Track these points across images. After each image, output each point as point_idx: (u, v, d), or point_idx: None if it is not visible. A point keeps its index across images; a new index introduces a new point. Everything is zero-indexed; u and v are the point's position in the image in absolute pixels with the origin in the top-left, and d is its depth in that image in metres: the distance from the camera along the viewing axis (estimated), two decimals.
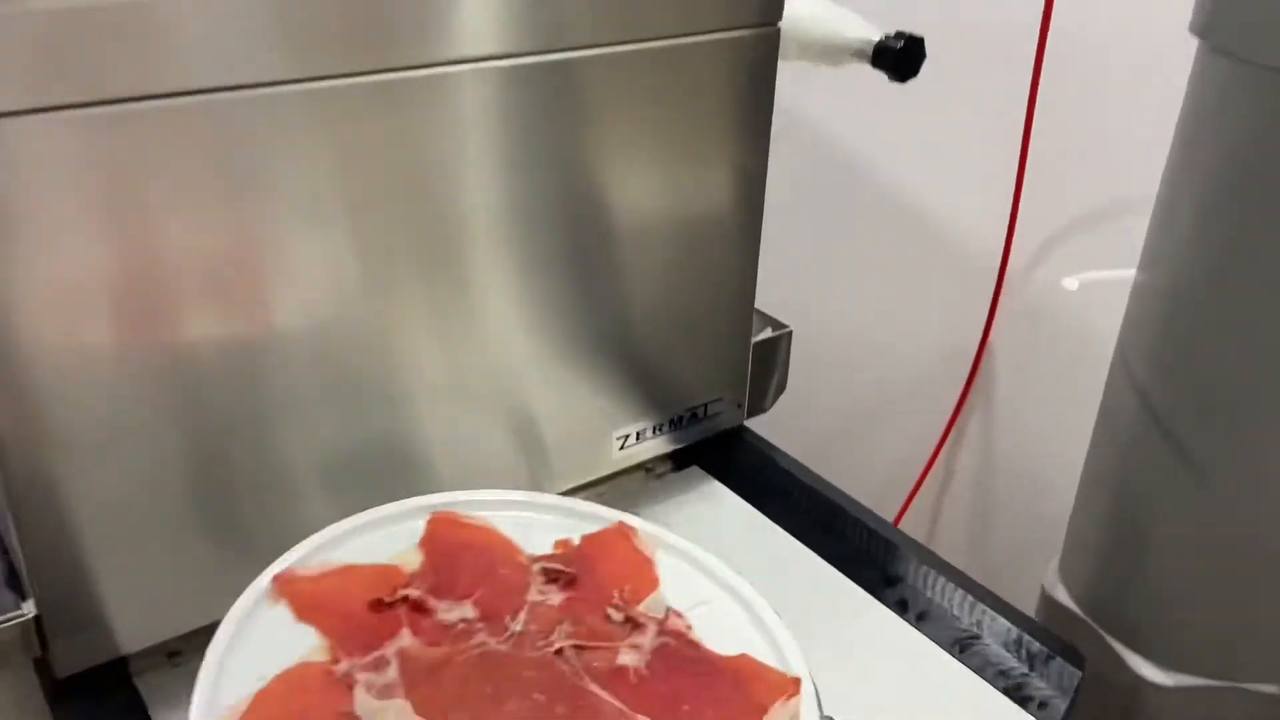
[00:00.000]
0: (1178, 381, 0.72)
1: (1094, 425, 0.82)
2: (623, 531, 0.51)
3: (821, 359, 1.16)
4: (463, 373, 0.58)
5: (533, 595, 0.46)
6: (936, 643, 0.60)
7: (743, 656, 0.45)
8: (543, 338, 0.61)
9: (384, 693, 0.40)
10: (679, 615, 0.47)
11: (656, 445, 0.71)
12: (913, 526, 1.19)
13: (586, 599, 0.47)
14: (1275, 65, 0.60)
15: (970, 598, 0.64)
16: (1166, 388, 0.73)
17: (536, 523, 0.52)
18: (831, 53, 0.69)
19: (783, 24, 0.63)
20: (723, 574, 0.49)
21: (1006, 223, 0.98)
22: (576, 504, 0.54)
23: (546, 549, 0.50)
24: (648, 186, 0.62)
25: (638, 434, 0.69)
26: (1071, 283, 0.79)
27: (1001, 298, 1.03)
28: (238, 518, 0.52)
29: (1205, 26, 0.65)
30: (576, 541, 0.51)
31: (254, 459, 0.51)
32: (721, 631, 0.46)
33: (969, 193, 1.01)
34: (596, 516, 0.53)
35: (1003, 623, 0.62)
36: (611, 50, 0.56)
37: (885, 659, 0.59)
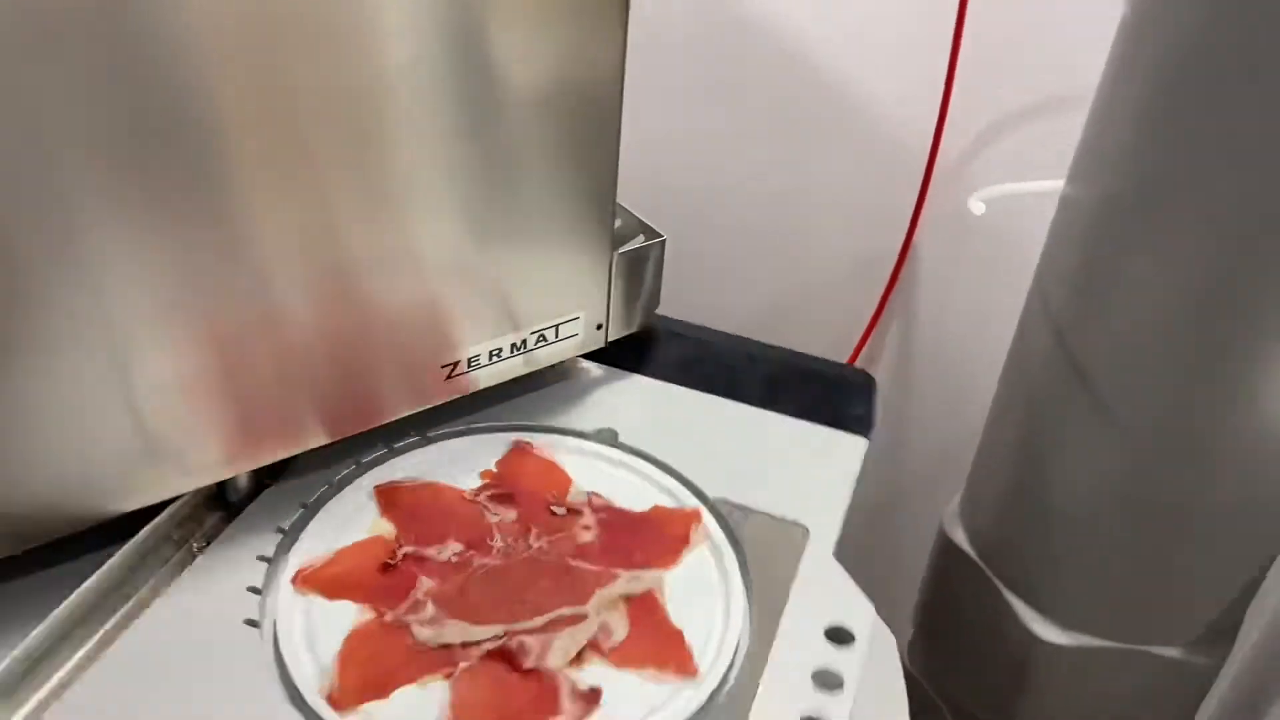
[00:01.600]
0: (1097, 313, 0.63)
1: (1006, 356, 0.73)
2: (522, 449, 0.63)
3: (724, 263, 1.06)
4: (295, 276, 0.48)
5: (491, 517, 0.58)
6: None
7: (654, 508, 0.60)
8: (365, 236, 0.50)
9: (434, 623, 0.51)
10: (597, 495, 0.60)
11: (497, 372, 0.61)
12: None
13: (529, 506, 0.59)
14: None
15: None
16: (1084, 319, 0.64)
17: (460, 458, 0.62)
18: None
19: None
20: (609, 454, 0.63)
21: (935, 117, 0.87)
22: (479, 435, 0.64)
23: (476, 481, 0.60)
24: (489, 64, 0.51)
25: (469, 360, 0.59)
26: (978, 206, 0.68)
27: (927, 199, 0.92)
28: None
29: None
30: (494, 468, 0.62)
31: None
32: (630, 496, 0.60)
33: (896, 82, 0.89)
34: (496, 438, 0.64)
35: None
36: None
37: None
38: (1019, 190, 0.66)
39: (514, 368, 0.62)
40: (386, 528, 0.57)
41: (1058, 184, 0.64)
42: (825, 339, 1.06)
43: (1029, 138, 0.87)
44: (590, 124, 0.56)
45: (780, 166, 0.99)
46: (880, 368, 1.04)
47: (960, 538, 0.77)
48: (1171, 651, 0.69)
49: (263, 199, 0.46)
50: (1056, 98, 0.84)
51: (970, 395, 0.97)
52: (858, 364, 1.04)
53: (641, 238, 0.66)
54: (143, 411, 0.48)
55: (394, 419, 0.59)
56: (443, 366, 0.58)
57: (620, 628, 0.52)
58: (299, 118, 0.45)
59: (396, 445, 0.62)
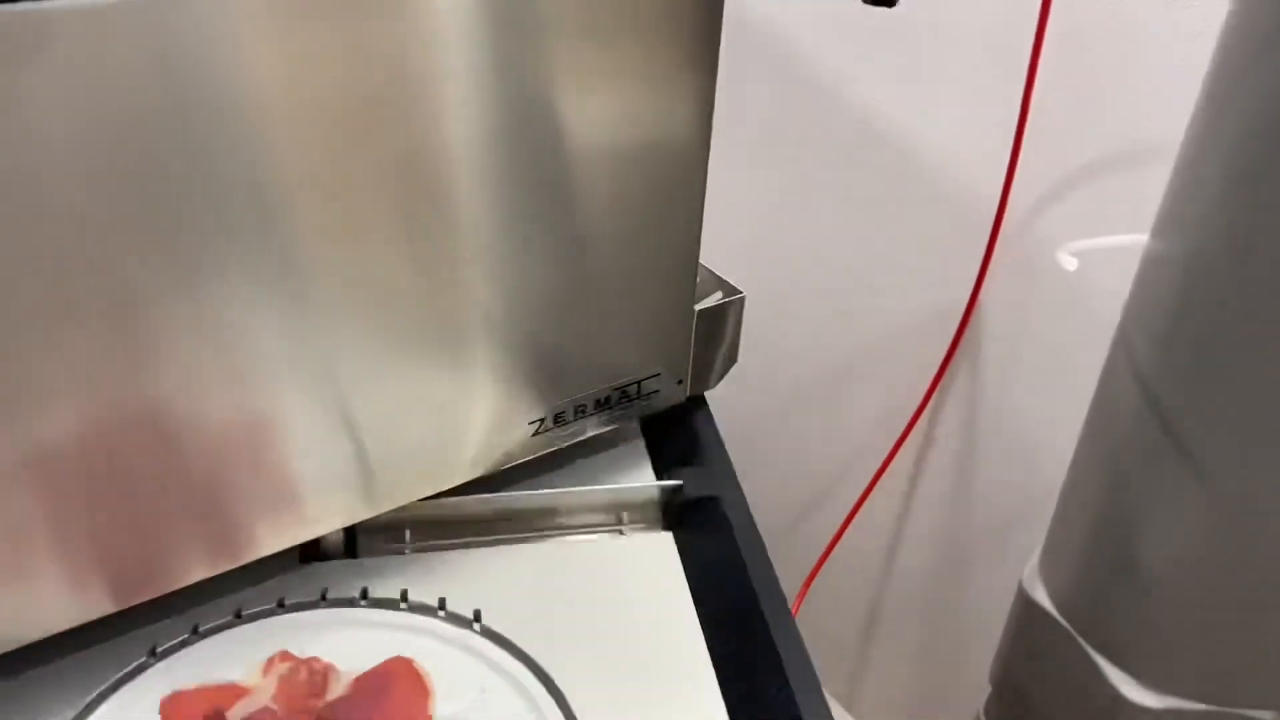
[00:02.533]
0: (1187, 368, 0.62)
1: (1088, 409, 0.72)
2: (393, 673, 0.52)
3: (792, 315, 1.06)
4: (368, 348, 0.49)
5: None
6: None
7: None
8: (452, 304, 0.51)
9: None
10: None
11: (580, 429, 0.61)
12: (885, 500, 1.10)
13: None
14: None
15: None
16: (1173, 374, 0.63)
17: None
18: None
19: None
20: (498, 660, 0.52)
21: (1005, 170, 0.87)
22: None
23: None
24: (573, 124, 0.51)
25: (555, 417, 0.60)
26: (1069, 261, 0.68)
27: (995, 253, 0.92)
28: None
29: None
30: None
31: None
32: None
33: (964, 135, 0.89)
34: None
35: None
36: None
37: None
38: (1107, 245, 0.66)
39: (598, 423, 0.62)
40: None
41: (1143, 238, 0.64)
42: (892, 397, 1.05)
43: (1098, 192, 0.87)
44: (678, 181, 0.57)
45: (848, 226, 0.99)
46: (945, 421, 1.03)
47: (1041, 596, 0.76)
48: (1266, 715, 0.67)
49: (340, 268, 0.47)
50: (1127, 152, 0.84)
51: (1040, 451, 0.96)
52: (923, 417, 1.04)
53: (720, 294, 0.67)
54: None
55: (478, 475, 0.59)
56: (530, 424, 0.58)
57: None
58: (369, 190, 0.46)
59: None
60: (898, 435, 1.05)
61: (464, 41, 0.45)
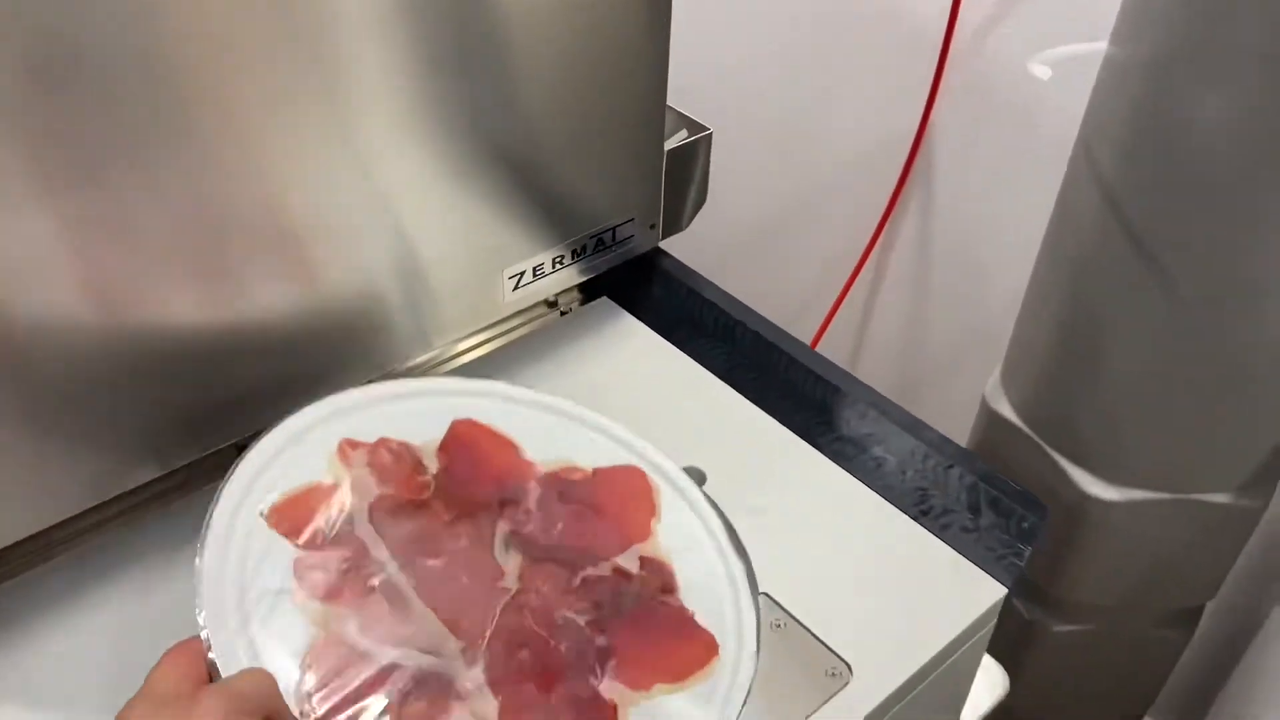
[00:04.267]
0: (1149, 172, 0.63)
1: (1049, 221, 0.73)
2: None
3: (742, 151, 1.05)
4: (335, 201, 0.47)
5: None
6: (879, 494, 0.53)
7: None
8: (419, 156, 0.49)
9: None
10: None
11: (558, 280, 0.61)
12: (842, 328, 1.12)
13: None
14: None
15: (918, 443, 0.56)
16: (1135, 179, 0.64)
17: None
18: None
19: None
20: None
21: None
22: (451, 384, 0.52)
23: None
24: None
25: (534, 270, 0.59)
26: (1043, 70, 0.67)
27: (945, 73, 0.91)
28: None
29: None
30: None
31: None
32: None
33: None
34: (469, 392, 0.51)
35: (954, 475, 0.55)
36: None
37: (819, 511, 0.52)
38: (1069, 53, 0.65)
39: (572, 276, 0.61)
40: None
41: (1102, 45, 0.64)
42: (849, 225, 1.06)
43: (1047, 6, 0.86)
44: (644, 22, 0.55)
45: (799, 64, 0.97)
46: (901, 250, 1.05)
47: (1005, 408, 0.79)
48: (1220, 497, 0.71)
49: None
50: None
51: (996, 270, 0.98)
52: (876, 248, 1.05)
53: (685, 132, 0.65)
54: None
55: (462, 335, 0.59)
56: (509, 278, 0.58)
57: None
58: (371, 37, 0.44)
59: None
60: (850, 271, 1.06)
61: None
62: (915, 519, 0.52)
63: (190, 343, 0.46)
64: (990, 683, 0.62)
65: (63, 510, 0.45)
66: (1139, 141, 0.62)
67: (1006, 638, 0.80)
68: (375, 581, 0.42)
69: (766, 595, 0.48)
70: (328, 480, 0.44)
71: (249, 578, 0.40)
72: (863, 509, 0.52)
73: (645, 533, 0.47)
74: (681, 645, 0.44)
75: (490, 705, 0.40)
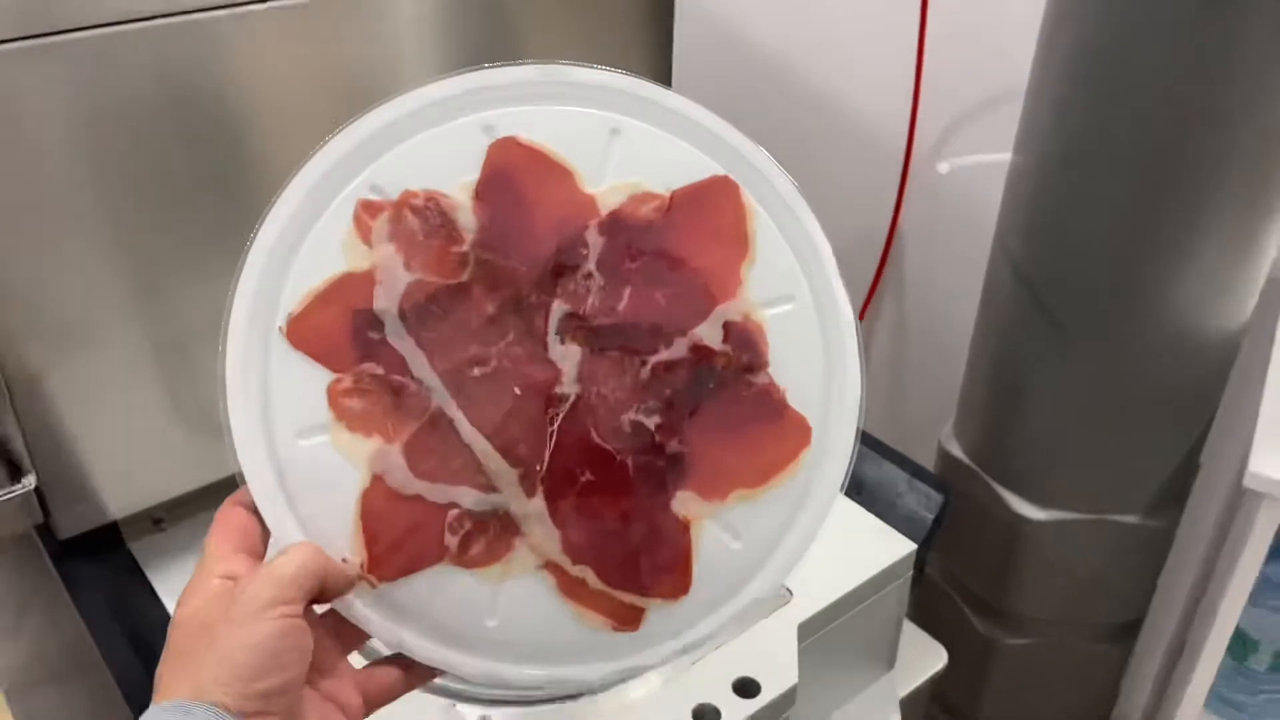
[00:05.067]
0: (1045, 253, 0.81)
1: (980, 295, 0.90)
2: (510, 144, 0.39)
3: None
4: None
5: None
6: None
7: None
8: None
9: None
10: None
11: None
12: None
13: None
14: None
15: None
16: (1036, 260, 0.81)
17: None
18: None
19: None
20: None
21: (909, 110, 1.05)
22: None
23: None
24: None
25: None
26: (944, 166, 0.86)
27: (908, 182, 1.10)
28: (203, 402, 0.59)
29: None
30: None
31: None
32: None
33: (870, 82, 1.07)
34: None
35: (889, 467, 0.71)
36: None
37: None
38: (976, 161, 0.84)
39: None
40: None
41: (1006, 155, 0.82)
42: None
43: (989, 121, 1.05)
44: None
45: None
46: (880, 326, 1.22)
47: (955, 449, 0.95)
48: (1130, 518, 0.86)
49: None
50: (1009, 87, 1.02)
51: (957, 341, 1.15)
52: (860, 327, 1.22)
53: None
54: None
55: None
56: None
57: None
58: None
59: None
60: None
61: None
62: (852, 497, 0.68)
63: None
64: (927, 652, 0.77)
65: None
66: (1036, 230, 0.80)
67: (970, 653, 0.94)
68: (418, 407, 0.37)
69: None
70: (349, 267, 0.37)
71: (279, 420, 0.36)
72: None
73: (734, 285, 0.39)
74: (766, 438, 0.39)
75: (553, 538, 0.37)
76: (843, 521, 0.65)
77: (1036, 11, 0.78)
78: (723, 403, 0.39)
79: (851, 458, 0.39)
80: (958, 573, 0.98)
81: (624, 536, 0.38)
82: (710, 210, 0.40)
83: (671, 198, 0.39)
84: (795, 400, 0.39)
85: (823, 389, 0.40)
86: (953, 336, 1.15)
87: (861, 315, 1.21)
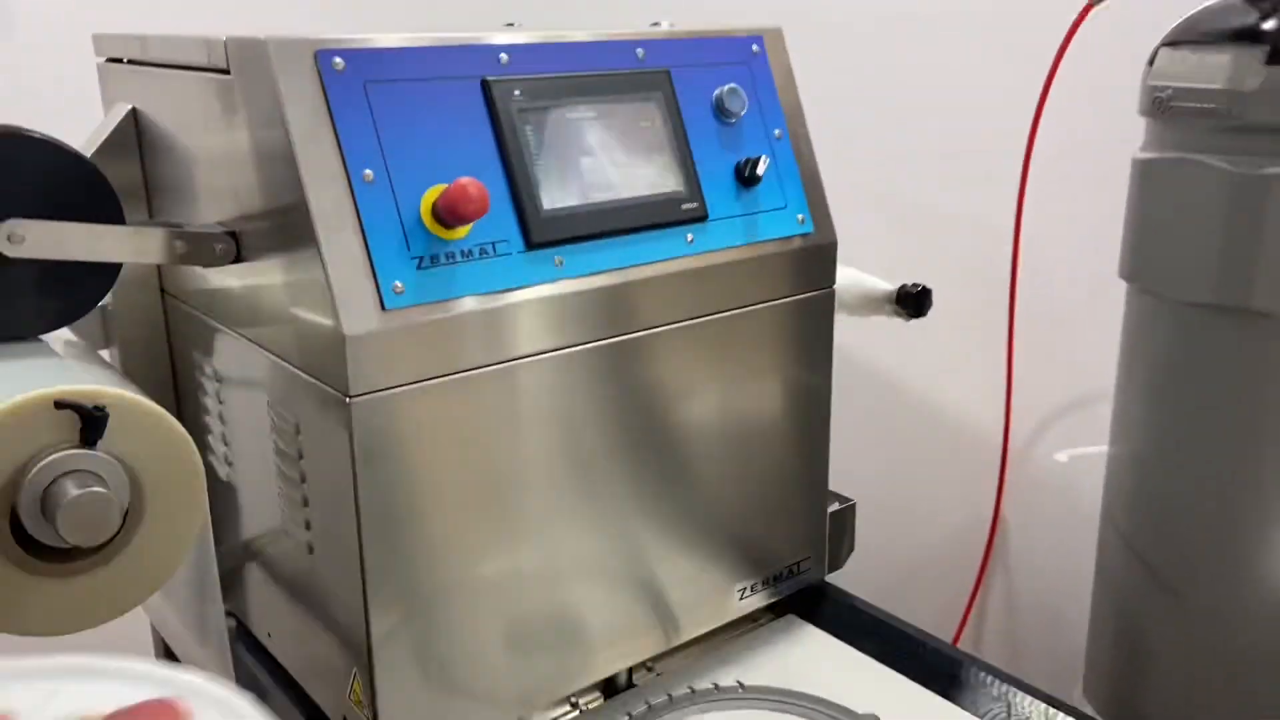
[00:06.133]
0: (1152, 527, 0.96)
1: (1094, 573, 1.04)
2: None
3: (866, 527, 1.39)
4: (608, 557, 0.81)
5: None
6: None
7: None
8: (667, 525, 0.85)
9: None
10: None
11: (764, 596, 0.94)
12: None
13: None
14: (1185, 300, 0.87)
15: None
16: (1145, 534, 0.97)
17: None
18: (869, 304, 0.96)
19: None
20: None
21: (1003, 411, 1.24)
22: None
23: None
24: (744, 415, 0.88)
25: (750, 587, 0.92)
26: (1062, 456, 1.03)
27: (1007, 473, 1.27)
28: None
29: (1132, 272, 0.93)
30: None
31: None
32: None
33: (968, 392, 1.27)
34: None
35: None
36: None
37: None
38: (1085, 453, 1.01)
39: (768, 595, 0.94)
40: None
41: (1104, 447, 1.00)
42: (945, 590, 1.36)
43: (1083, 413, 1.23)
44: (817, 439, 0.93)
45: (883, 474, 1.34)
46: (988, 629, 1.34)
47: (1089, 710, 1.05)
48: None
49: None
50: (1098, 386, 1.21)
51: (1064, 624, 1.27)
52: (969, 620, 1.34)
53: (837, 503, 1.01)
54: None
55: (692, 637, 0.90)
56: (738, 589, 0.91)
57: None
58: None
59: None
60: (956, 625, 1.35)
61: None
62: None
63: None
64: None
65: None
66: (1140, 510, 0.96)
67: None
68: None
69: None
70: None
71: None
72: None
73: None
74: None
75: None
76: None
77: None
78: None
79: None
80: None
81: None
82: None
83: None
84: None
85: None
86: (1064, 607, 1.27)
87: (974, 592, 1.33)
